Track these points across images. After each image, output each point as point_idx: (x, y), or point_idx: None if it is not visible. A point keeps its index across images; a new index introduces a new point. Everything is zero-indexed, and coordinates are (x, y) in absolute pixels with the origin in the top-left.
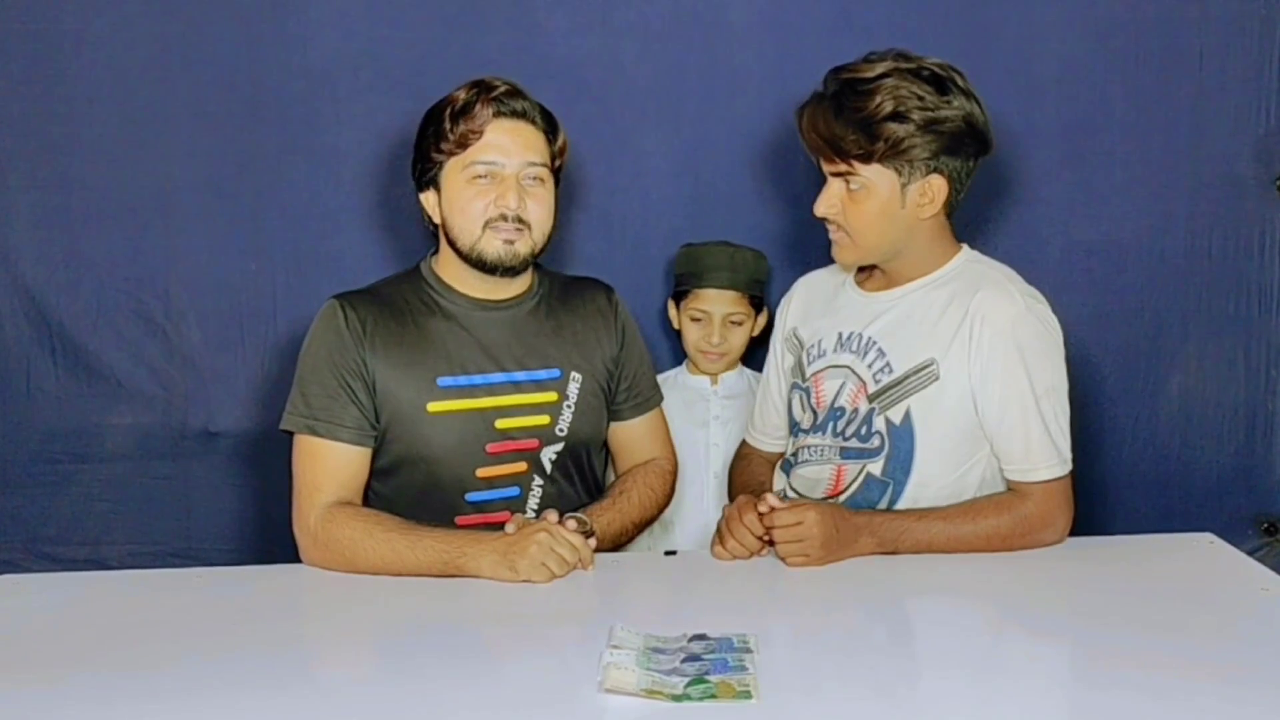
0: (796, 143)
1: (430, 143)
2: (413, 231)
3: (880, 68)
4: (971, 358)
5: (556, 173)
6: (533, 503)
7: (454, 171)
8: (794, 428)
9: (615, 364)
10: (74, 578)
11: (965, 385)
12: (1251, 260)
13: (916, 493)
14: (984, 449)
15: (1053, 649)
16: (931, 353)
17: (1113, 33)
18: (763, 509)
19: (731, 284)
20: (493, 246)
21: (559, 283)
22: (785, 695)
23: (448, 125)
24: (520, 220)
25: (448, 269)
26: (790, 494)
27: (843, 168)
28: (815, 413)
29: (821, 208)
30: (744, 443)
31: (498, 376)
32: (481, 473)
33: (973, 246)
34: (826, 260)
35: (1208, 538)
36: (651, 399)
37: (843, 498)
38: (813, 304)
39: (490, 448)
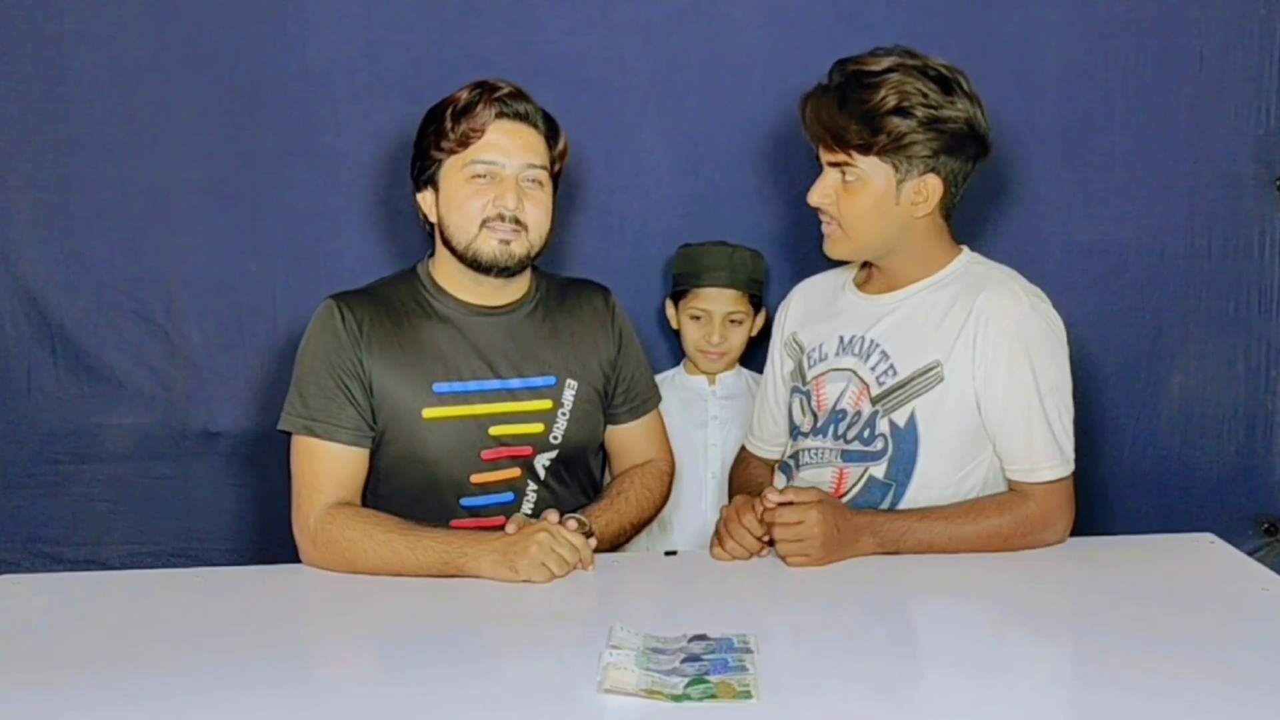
0: (797, 141)
1: (430, 141)
2: (411, 232)
3: (887, 62)
4: (976, 358)
5: (556, 177)
6: (527, 507)
7: (453, 170)
8: (794, 430)
9: (612, 368)
10: (74, 578)
11: (969, 386)
12: (1251, 260)
13: (918, 494)
14: (987, 450)
15: (1053, 649)
16: (936, 354)
17: (1113, 33)
18: (768, 503)
19: (731, 283)
20: (488, 246)
21: (556, 285)
22: (785, 695)
23: (449, 124)
24: (517, 221)
25: (444, 272)
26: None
27: (841, 158)
28: (816, 416)
29: (815, 196)
30: (743, 448)
31: (493, 383)
32: (476, 478)
33: (973, 247)
34: (826, 259)
35: (1208, 538)
36: (649, 401)
37: (844, 500)
38: (812, 308)
39: (485, 454)
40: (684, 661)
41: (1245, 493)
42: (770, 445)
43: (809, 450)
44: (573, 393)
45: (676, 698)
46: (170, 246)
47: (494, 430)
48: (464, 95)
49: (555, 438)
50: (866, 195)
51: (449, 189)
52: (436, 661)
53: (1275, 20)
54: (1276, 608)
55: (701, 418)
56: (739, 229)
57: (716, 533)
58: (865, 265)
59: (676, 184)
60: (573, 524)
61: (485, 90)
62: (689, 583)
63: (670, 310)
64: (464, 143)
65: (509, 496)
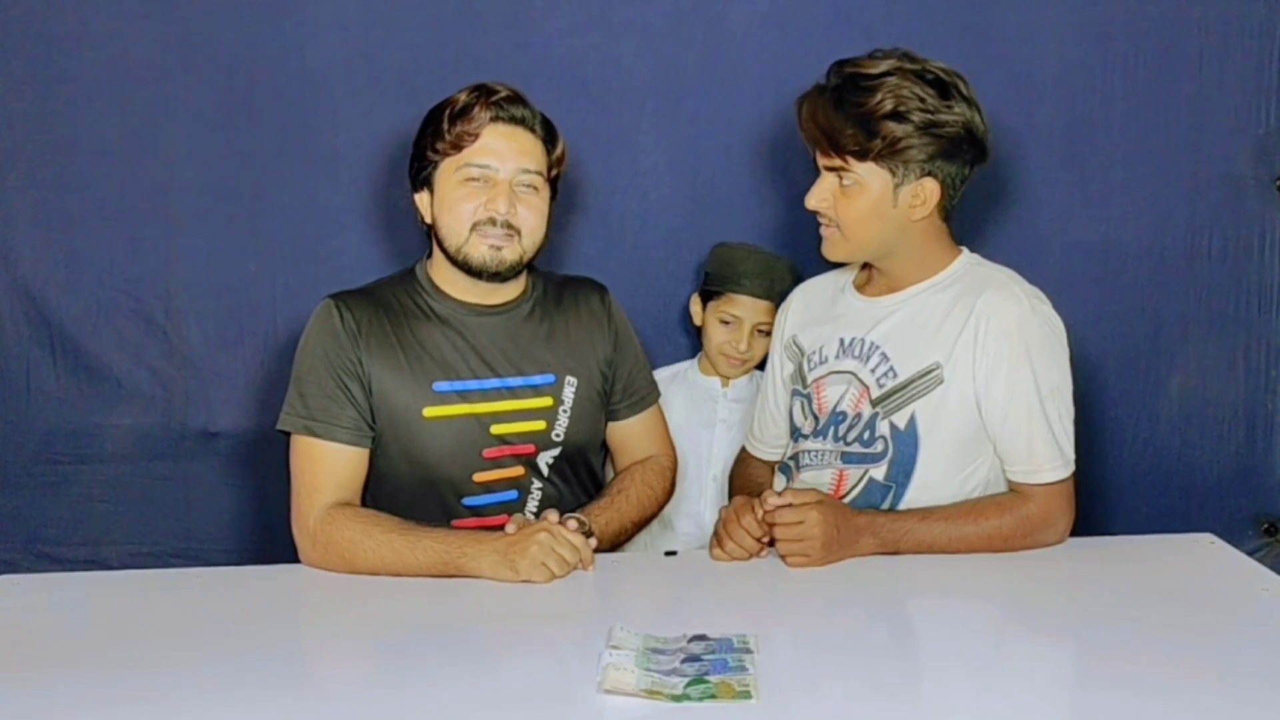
0: (796, 142)
1: (428, 142)
2: (411, 232)
3: (884, 65)
4: (977, 359)
5: (553, 182)
6: (532, 505)
7: (448, 172)
8: (795, 432)
9: (609, 365)
10: (74, 578)
11: (970, 388)
12: (1251, 260)
13: (918, 496)
14: (987, 452)
15: (1053, 649)
16: (936, 356)
17: (1113, 33)
18: (769, 505)
19: (767, 294)
20: (478, 251)
21: (553, 284)
22: (785, 695)
23: (445, 126)
24: (510, 226)
25: (440, 273)
26: None
27: (837, 162)
28: (816, 418)
29: (813, 200)
30: (743, 449)
31: (492, 382)
32: (478, 477)
33: (972, 248)
34: (825, 261)
35: (1208, 538)
36: (648, 397)
37: (844, 501)
38: (812, 311)
39: (487, 453)
40: (684, 662)
41: (1245, 493)
42: (770, 447)
43: (809, 452)
44: (573, 390)
45: (676, 698)
46: (170, 246)
47: (495, 429)
48: (462, 98)
49: (558, 435)
50: (863, 199)
51: (443, 191)
52: (436, 661)
53: (1275, 20)
54: (1276, 608)
55: (710, 419)
56: (738, 228)
57: (716, 533)
58: (865, 267)
59: (675, 185)
60: (573, 524)
61: (483, 93)
62: (689, 583)
63: (695, 306)
64: (459, 145)
65: (513, 495)
